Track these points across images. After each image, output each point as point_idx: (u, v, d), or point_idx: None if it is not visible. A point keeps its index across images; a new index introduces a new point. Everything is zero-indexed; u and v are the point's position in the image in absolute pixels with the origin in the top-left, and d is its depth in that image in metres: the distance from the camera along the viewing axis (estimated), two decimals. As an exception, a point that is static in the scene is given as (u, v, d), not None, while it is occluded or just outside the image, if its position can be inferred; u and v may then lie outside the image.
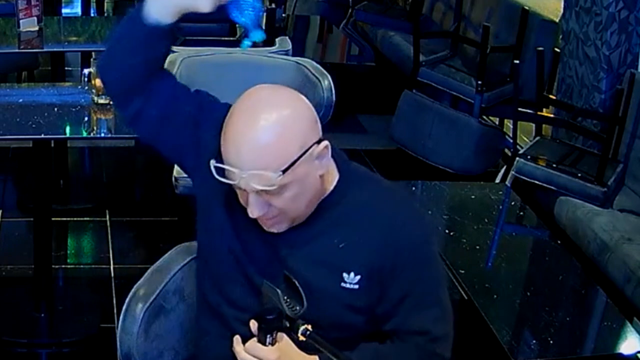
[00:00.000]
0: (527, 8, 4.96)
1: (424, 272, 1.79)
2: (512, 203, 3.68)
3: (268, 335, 1.66)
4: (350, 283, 1.74)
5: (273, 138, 1.62)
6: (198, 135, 1.83)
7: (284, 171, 1.61)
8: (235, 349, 1.70)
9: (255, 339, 1.67)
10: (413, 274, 1.76)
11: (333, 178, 1.77)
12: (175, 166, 3.63)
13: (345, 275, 1.74)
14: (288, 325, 1.66)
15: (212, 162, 1.66)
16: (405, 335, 1.79)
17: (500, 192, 3.80)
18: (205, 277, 1.91)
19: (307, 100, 1.71)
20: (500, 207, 3.66)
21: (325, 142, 1.69)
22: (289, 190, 1.65)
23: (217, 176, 1.66)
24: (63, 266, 3.83)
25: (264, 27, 1.63)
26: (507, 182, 4.11)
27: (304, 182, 1.67)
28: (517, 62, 4.52)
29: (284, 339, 1.68)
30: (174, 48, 4.19)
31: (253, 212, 1.67)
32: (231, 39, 5.24)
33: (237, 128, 1.64)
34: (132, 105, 1.85)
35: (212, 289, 1.88)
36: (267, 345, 1.66)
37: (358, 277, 1.74)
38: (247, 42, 1.74)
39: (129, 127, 1.94)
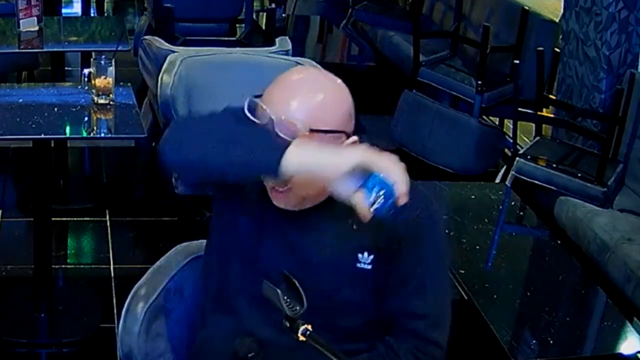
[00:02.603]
0: (527, 8, 4.96)
1: (429, 256, 1.82)
2: (512, 203, 3.68)
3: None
4: (364, 263, 1.78)
5: (320, 98, 1.68)
6: None
7: (312, 131, 1.64)
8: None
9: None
10: (418, 256, 1.79)
11: None
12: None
13: (360, 255, 1.78)
14: (288, 325, 1.66)
15: (250, 97, 1.69)
16: (405, 319, 1.81)
17: (500, 192, 3.80)
18: (214, 272, 1.92)
19: None
20: (500, 207, 3.66)
21: (355, 138, 1.71)
22: None
23: (246, 111, 1.68)
24: (63, 266, 3.83)
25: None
26: (507, 182, 4.11)
27: None
28: (517, 62, 4.52)
29: None
30: (174, 48, 4.19)
31: (269, 180, 1.69)
32: (231, 39, 5.25)
33: (291, 76, 1.72)
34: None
35: (222, 284, 1.88)
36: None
37: (371, 257, 1.78)
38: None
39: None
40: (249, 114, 1.69)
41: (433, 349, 1.82)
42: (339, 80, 1.76)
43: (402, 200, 1.54)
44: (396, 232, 1.76)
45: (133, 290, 2.01)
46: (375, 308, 1.82)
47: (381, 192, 1.53)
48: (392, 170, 1.54)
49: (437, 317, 1.83)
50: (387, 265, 1.79)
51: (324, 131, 1.66)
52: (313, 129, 1.65)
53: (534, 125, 4.60)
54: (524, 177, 4.11)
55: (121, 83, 3.29)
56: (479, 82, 4.83)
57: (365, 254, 1.78)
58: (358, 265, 1.78)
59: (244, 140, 1.62)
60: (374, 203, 1.53)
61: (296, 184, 1.68)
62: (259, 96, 1.72)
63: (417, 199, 1.79)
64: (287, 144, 1.57)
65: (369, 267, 1.78)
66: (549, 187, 4.04)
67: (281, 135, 1.63)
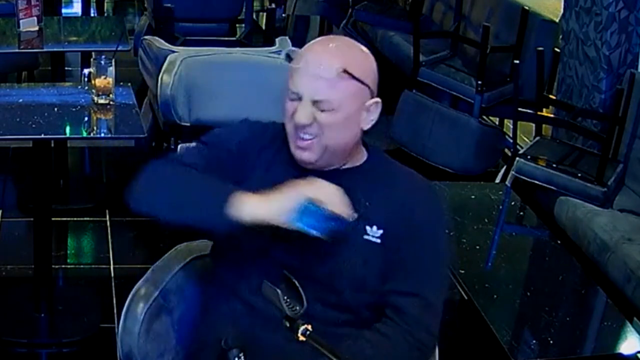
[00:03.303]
0: (527, 8, 4.96)
1: (431, 242, 1.90)
2: (512, 203, 3.68)
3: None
4: (372, 236, 1.86)
5: (359, 54, 1.87)
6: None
7: (345, 71, 1.80)
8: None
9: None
10: (420, 241, 1.87)
11: (363, 155, 1.96)
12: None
13: (368, 228, 1.86)
14: (288, 325, 1.66)
15: (288, 48, 1.89)
16: (399, 297, 1.85)
17: (500, 192, 3.80)
18: (223, 260, 1.95)
19: None
20: (500, 207, 3.67)
21: (379, 99, 1.88)
22: (334, 114, 1.82)
23: (285, 59, 1.86)
24: (63, 266, 3.83)
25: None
26: (507, 182, 4.11)
27: (349, 117, 1.84)
28: (517, 62, 4.52)
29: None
30: (174, 48, 4.20)
31: (301, 117, 1.82)
32: (231, 39, 5.25)
33: (328, 39, 1.92)
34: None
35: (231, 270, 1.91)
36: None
37: (380, 231, 1.86)
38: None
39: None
40: (287, 61, 1.87)
41: (425, 336, 1.85)
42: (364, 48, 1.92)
43: (338, 210, 1.74)
44: (404, 216, 1.86)
45: (133, 290, 2.01)
46: (375, 286, 1.86)
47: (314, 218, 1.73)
48: (321, 195, 1.74)
49: (431, 300, 1.86)
50: (396, 244, 1.85)
51: (356, 78, 1.82)
52: (347, 70, 1.81)
53: (534, 125, 4.60)
54: (524, 177, 4.11)
55: (121, 83, 3.29)
56: (479, 82, 4.83)
57: (375, 227, 1.86)
58: (366, 237, 1.85)
59: (194, 197, 1.83)
60: (312, 227, 1.73)
61: (325, 128, 1.82)
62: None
63: (427, 192, 1.95)
64: (230, 200, 1.75)
65: (378, 240, 1.85)
66: (549, 187, 4.04)
67: (317, 73, 1.81)
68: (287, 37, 4.30)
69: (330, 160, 1.88)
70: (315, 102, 1.82)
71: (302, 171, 1.88)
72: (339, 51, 1.86)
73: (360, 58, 1.88)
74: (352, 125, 1.86)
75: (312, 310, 1.71)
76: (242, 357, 1.72)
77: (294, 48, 1.92)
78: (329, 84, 1.81)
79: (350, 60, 1.84)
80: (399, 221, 1.86)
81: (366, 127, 1.89)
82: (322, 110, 1.82)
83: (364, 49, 1.91)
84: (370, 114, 1.88)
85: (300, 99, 1.83)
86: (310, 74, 1.82)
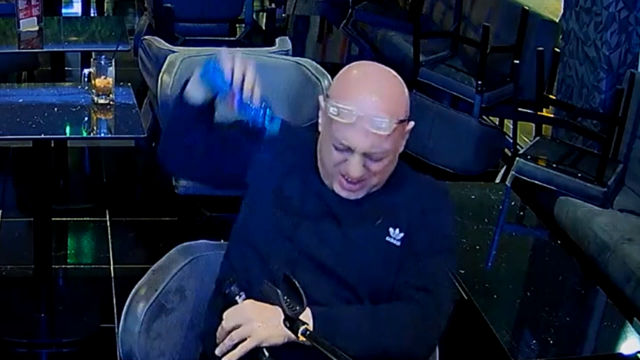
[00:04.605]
0: (527, 8, 4.96)
1: (445, 246, 1.90)
2: (512, 203, 3.68)
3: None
4: (394, 238, 1.87)
5: (399, 90, 1.83)
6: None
7: (399, 122, 1.78)
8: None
9: None
10: (436, 244, 1.88)
11: None
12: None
13: (391, 230, 1.87)
14: (288, 325, 1.66)
15: (333, 102, 1.79)
16: (414, 291, 1.84)
17: (500, 192, 3.80)
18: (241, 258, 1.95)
19: None
20: (500, 207, 3.67)
21: (412, 123, 1.86)
22: (386, 158, 1.81)
23: (332, 115, 1.78)
24: (63, 266, 3.82)
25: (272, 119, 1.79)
26: (507, 182, 4.11)
27: (396, 151, 1.85)
28: (517, 62, 4.52)
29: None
30: (174, 48, 4.19)
31: (353, 171, 1.80)
32: (231, 39, 5.25)
33: (364, 78, 1.83)
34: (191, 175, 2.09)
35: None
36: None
37: (402, 234, 1.87)
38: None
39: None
40: (334, 116, 1.79)
41: (432, 325, 1.84)
42: (393, 72, 1.89)
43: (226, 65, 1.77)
44: (426, 218, 1.88)
45: (133, 290, 2.01)
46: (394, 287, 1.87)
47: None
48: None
49: (441, 300, 1.85)
50: (414, 247, 1.86)
51: (404, 120, 1.81)
52: (400, 120, 1.79)
53: (534, 125, 4.60)
54: (524, 177, 4.11)
55: (121, 83, 3.29)
56: (479, 82, 4.83)
57: (397, 230, 1.86)
58: (387, 239, 1.86)
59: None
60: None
61: (379, 172, 1.82)
62: (327, 97, 1.85)
63: (439, 191, 1.96)
64: None
65: (398, 243, 1.86)
66: (549, 187, 4.04)
67: (372, 130, 1.76)
68: (287, 37, 4.30)
69: (371, 189, 1.89)
70: (367, 154, 1.79)
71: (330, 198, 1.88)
72: (388, 98, 1.80)
73: (399, 92, 1.84)
74: (396, 156, 1.86)
75: (326, 302, 1.76)
76: (243, 295, 1.75)
77: (334, 101, 1.81)
78: (384, 137, 1.78)
79: (397, 104, 1.81)
80: (419, 225, 1.87)
81: (402, 148, 1.89)
82: (375, 160, 1.80)
83: (395, 75, 1.87)
84: (406, 136, 1.88)
85: (350, 150, 1.79)
86: (365, 130, 1.77)
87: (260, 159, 1.94)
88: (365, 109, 1.76)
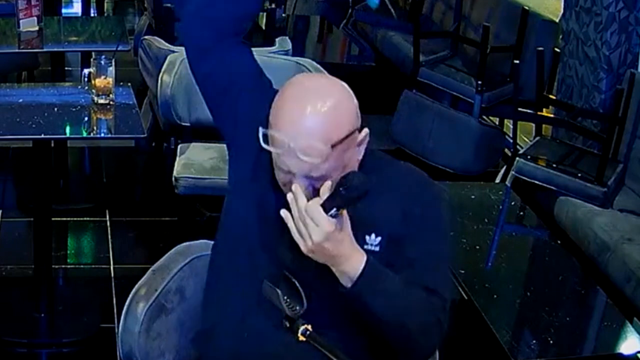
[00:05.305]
0: (527, 8, 4.96)
1: (433, 236, 1.87)
2: (512, 203, 3.69)
3: (334, 209, 1.65)
4: (372, 245, 1.82)
5: (341, 106, 1.73)
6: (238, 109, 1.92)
7: (333, 146, 1.69)
8: (297, 199, 1.68)
9: (318, 199, 1.68)
10: (423, 235, 1.84)
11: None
12: (175, 166, 3.64)
13: (367, 237, 1.82)
14: (288, 325, 1.66)
15: (262, 130, 1.72)
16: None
17: (500, 192, 3.80)
18: (223, 263, 1.94)
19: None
20: (500, 207, 3.67)
21: (367, 130, 1.80)
22: (334, 173, 1.72)
23: (262, 143, 1.72)
24: (63, 266, 3.82)
25: None
26: (507, 182, 4.11)
27: (346, 165, 1.75)
28: (517, 62, 4.52)
29: (346, 222, 1.71)
30: (174, 48, 4.19)
31: (298, 186, 1.71)
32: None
33: (292, 93, 1.73)
34: (205, 64, 1.91)
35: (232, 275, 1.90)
36: (328, 214, 1.65)
37: (379, 238, 1.83)
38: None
39: (197, 86, 1.95)
40: (265, 146, 1.72)
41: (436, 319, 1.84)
42: (338, 80, 1.79)
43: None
44: (404, 220, 1.83)
45: (133, 290, 2.01)
46: None
47: None
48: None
49: (439, 292, 1.84)
50: (398, 246, 1.83)
51: (344, 138, 1.72)
52: (335, 142, 1.70)
53: (534, 125, 4.60)
54: (524, 177, 4.11)
55: (121, 83, 3.29)
56: (479, 82, 4.83)
57: (373, 235, 1.83)
58: (365, 247, 1.81)
59: None
60: None
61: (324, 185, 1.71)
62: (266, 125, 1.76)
63: (417, 181, 1.91)
64: None
65: (377, 248, 1.83)
66: (549, 187, 4.04)
67: (305, 158, 1.69)
68: (287, 37, 4.30)
69: None
70: (309, 176, 1.72)
71: None
72: (322, 122, 1.70)
73: (340, 109, 1.73)
74: (349, 166, 1.78)
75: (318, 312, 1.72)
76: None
77: (267, 131, 1.73)
78: (321, 163, 1.70)
79: (335, 125, 1.71)
80: (398, 222, 1.84)
81: (361, 156, 1.82)
82: (321, 179, 1.72)
83: (337, 87, 1.77)
84: (363, 144, 1.81)
85: (292, 173, 1.73)
86: (298, 157, 1.69)
87: (241, 171, 1.91)
88: (295, 139, 1.68)
